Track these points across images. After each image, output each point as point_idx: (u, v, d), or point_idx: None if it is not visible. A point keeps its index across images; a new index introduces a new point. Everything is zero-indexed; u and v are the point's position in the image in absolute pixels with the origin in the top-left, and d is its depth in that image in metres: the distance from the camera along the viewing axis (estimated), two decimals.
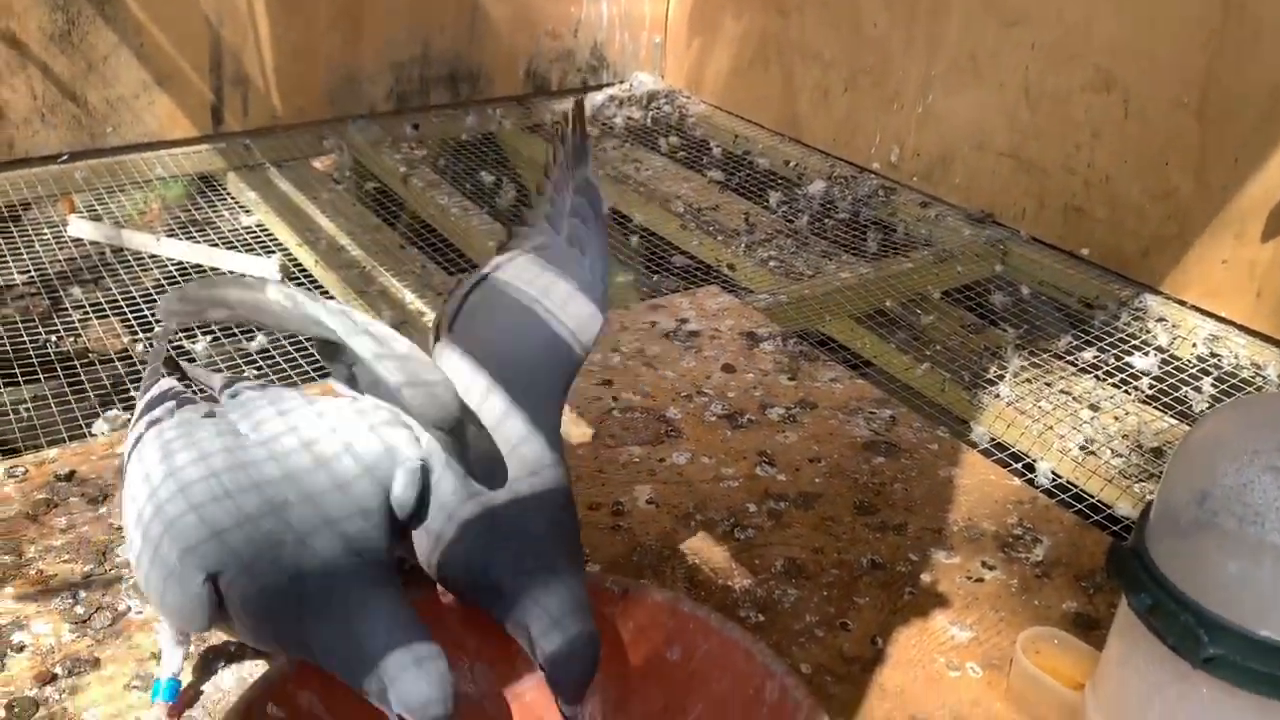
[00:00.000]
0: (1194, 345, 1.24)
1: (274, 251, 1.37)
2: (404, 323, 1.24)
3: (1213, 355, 1.22)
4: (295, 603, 0.55)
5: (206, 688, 0.67)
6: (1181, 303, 1.32)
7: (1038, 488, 0.97)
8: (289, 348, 1.16)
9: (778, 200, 1.63)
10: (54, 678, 0.67)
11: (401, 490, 0.59)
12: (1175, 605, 0.53)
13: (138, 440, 0.63)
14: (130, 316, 1.22)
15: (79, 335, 1.18)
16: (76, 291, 1.26)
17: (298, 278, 1.33)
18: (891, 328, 1.28)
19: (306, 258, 1.39)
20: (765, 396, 1.02)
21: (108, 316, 1.22)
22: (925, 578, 0.79)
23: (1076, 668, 0.67)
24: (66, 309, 1.23)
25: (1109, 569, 0.58)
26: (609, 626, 0.61)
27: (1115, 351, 1.23)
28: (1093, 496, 1.00)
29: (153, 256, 1.35)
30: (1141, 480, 1.04)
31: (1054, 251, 1.46)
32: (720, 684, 0.59)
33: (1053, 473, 1.04)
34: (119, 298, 1.26)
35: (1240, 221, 1.25)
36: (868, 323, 1.29)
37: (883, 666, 0.71)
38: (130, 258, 1.34)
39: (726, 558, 0.81)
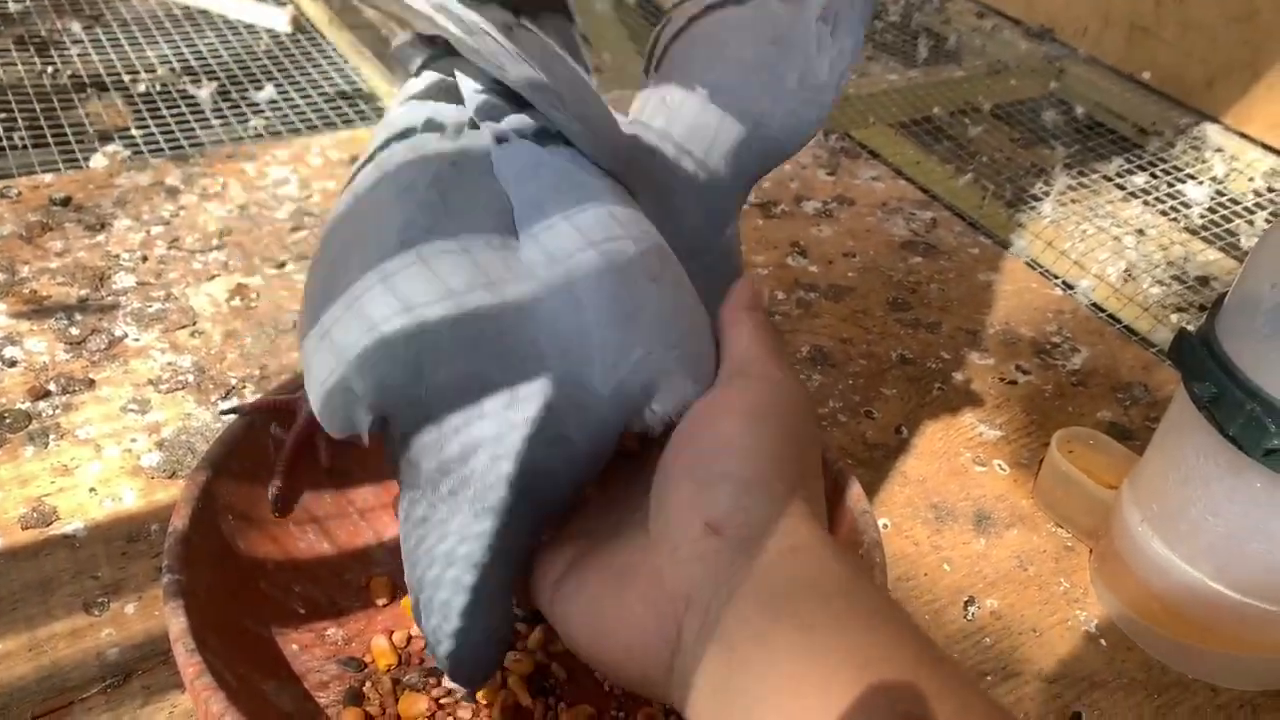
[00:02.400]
0: (1251, 179, 1.18)
1: (285, 3, 1.29)
2: None
3: (1270, 190, 1.16)
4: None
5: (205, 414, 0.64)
6: (1243, 135, 1.25)
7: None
8: (298, 100, 1.09)
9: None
10: (47, 394, 0.64)
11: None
12: (1241, 394, 0.49)
13: (365, 163, 0.45)
14: (131, 55, 1.14)
15: (77, 69, 1.11)
16: (75, 26, 1.18)
17: (310, 33, 1.25)
18: (936, 136, 1.21)
19: (319, 14, 1.30)
20: (801, 189, 0.97)
21: (107, 52, 1.15)
22: (957, 376, 0.76)
23: (1110, 469, 0.64)
24: (65, 43, 1.16)
25: (1172, 356, 0.54)
26: None
27: (1168, 179, 1.16)
28: (1125, 323, 0.96)
29: None
30: (1181, 310, 0.99)
31: (1113, 73, 1.37)
32: None
33: (1089, 297, 0.99)
34: (120, 35, 1.18)
35: None
36: (912, 128, 1.21)
37: (906, 455, 0.69)
38: None
39: None
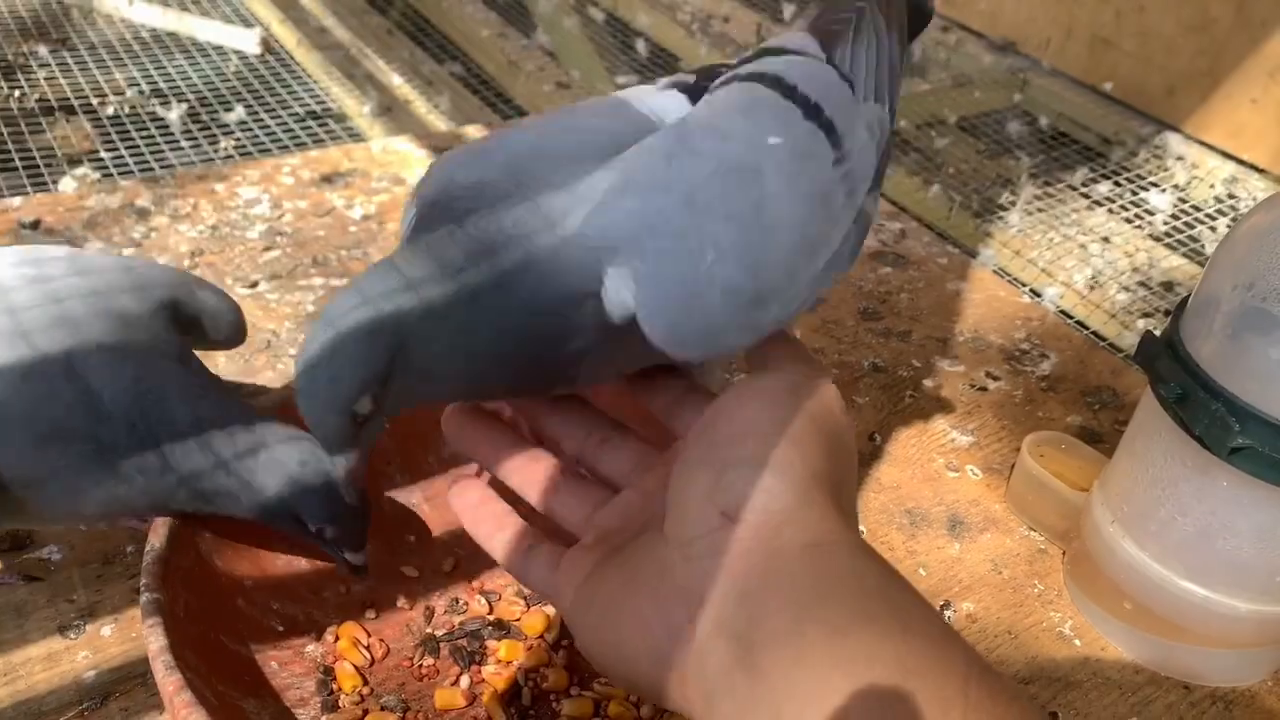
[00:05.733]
0: (1212, 186, 1.20)
1: (254, 25, 1.29)
2: (390, 108, 1.17)
3: (1230, 197, 1.18)
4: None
5: None
6: (1203, 143, 1.27)
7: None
8: (268, 120, 1.09)
9: (792, 14, 1.54)
10: None
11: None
12: (1206, 394, 0.50)
13: None
14: (99, 78, 1.14)
15: (44, 93, 1.10)
16: (42, 50, 1.18)
17: (279, 54, 1.25)
18: (903, 148, 1.22)
19: (288, 36, 1.31)
20: None
21: (75, 76, 1.14)
22: (928, 383, 0.77)
23: (1080, 472, 0.65)
24: (31, 67, 1.15)
25: (1138, 358, 0.55)
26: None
27: (1131, 188, 1.19)
28: (1093, 329, 0.98)
29: (124, 20, 1.26)
30: (1147, 315, 1.01)
31: (1076, 85, 1.40)
32: None
33: (1056, 304, 1.01)
34: (87, 59, 1.18)
35: (1278, 57, 1.19)
36: None
37: (880, 462, 0.69)
38: (100, 19, 1.26)
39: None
